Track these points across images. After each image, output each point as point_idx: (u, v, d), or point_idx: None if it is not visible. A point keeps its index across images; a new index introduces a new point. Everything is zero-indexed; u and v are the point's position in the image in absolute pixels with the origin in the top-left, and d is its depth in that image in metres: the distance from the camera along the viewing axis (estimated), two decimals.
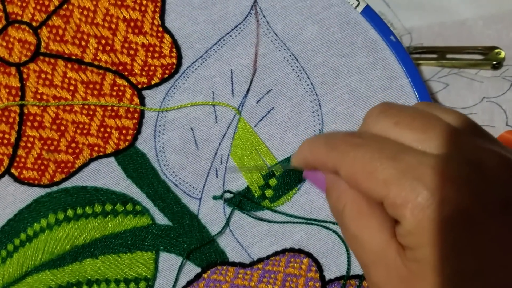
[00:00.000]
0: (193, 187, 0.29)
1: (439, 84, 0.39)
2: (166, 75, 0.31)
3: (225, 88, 0.30)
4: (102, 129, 0.30)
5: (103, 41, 0.30)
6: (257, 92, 0.30)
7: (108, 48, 0.31)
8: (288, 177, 0.29)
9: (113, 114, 0.31)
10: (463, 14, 0.42)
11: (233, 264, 0.29)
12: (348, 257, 0.28)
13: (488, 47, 0.38)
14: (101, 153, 0.30)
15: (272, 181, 0.29)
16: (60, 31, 0.31)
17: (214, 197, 0.28)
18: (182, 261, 0.28)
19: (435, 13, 0.42)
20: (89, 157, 0.30)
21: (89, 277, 0.29)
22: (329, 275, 0.29)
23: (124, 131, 0.30)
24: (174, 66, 0.31)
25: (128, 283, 0.29)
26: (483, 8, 0.40)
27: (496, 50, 0.37)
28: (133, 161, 0.29)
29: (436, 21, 0.42)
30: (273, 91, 0.30)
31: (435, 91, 0.38)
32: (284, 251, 0.29)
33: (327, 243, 0.28)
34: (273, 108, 0.30)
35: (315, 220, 0.30)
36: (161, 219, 0.29)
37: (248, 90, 0.30)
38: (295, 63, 0.30)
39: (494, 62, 0.37)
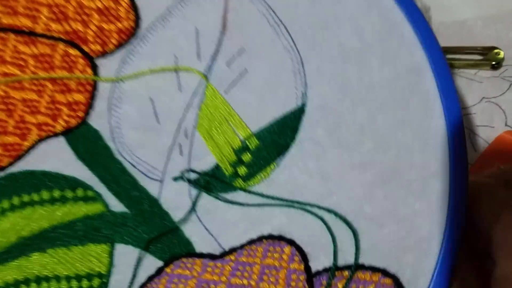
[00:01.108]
0: (153, 168, 0.26)
1: None
2: (123, 41, 0.28)
3: (190, 51, 0.27)
4: (51, 106, 0.28)
5: (55, 9, 0.31)
6: (227, 53, 0.27)
7: (60, 16, 0.31)
8: (265, 150, 0.25)
9: (64, 88, 0.28)
10: (463, 14, 0.43)
11: (201, 255, 0.27)
12: (335, 245, 0.24)
13: (487, 47, 0.40)
14: (50, 133, 0.28)
15: (246, 156, 0.26)
16: (12, 3, 0.31)
17: (174, 178, 0.25)
18: (141, 254, 0.24)
19: (434, 13, 0.44)
20: (37, 138, 0.28)
21: (37, 274, 0.28)
22: (316, 265, 0.26)
23: (75, 107, 0.28)
24: (132, 30, 0.28)
25: (80, 280, 0.28)
26: (482, 9, 0.42)
27: (496, 50, 0.39)
28: (84, 140, 0.27)
29: (435, 21, 0.44)
30: (246, 50, 0.27)
31: None
32: (261, 239, 0.27)
33: (313, 229, 0.25)
34: (246, 70, 0.27)
35: (298, 202, 0.27)
36: (117, 206, 0.26)
37: (217, 51, 0.27)
38: (271, 16, 0.27)
39: (494, 62, 0.39)
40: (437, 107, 0.26)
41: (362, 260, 0.25)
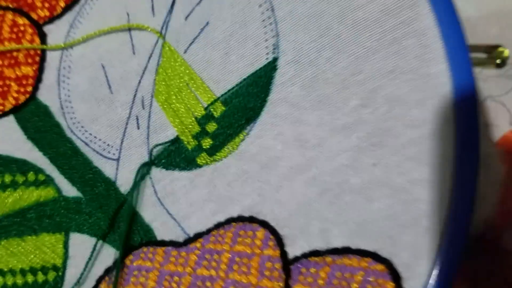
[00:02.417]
0: (108, 145, 0.23)
1: None
2: (70, 1, 0.24)
3: (143, 6, 0.24)
4: (0, 83, 0.25)
5: None
6: (185, 3, 0.24)
7: None
8: (232, 117, 0.21)
9: (12, 62, 0.26)
10: (466, 11, 0.42)
11: (163, 243, 0.25)
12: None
13: (491, 45, 0.38)
14: (0, 112, 0.24)
15: (211, 126, 0.21)
16: None
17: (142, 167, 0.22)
18: (96, 244, 0.21)
19: None
20: None
21: None
22: (293, 251, 0.23)
23: (24, 81, 0.25)
24: None
25: (35, 273, 0.26)
26: (486, 6, 0.42)
27: (500, 49, 0.37)
28: (34, 118, 0.24)
29: None
30: None
31: None
32: (230, 222, 0.24)
33: (289, 206, 0.20)
34: (208, 23, 0.23)
35: (273, 175, 0.24)
36: (70, 190, 0.23)
37: (173, 3, 0.24)
38: None
39: (498, 61, 0.37)
40: (438, 49, 0.22)
41: (349, 242, 0.21)
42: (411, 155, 0.22)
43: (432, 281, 0.21)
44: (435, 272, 0.21)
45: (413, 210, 0.22)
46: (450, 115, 0.22)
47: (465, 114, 0.22)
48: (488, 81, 0.39)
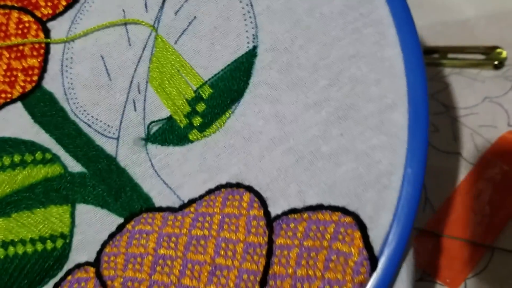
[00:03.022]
0: (108, 126, 0.26)
1: (440, 84, 0.40)
2: (71, 1, 0.27)
3: (138, 3, 0.27)
4: (8, 73, 0.29)
5: None
6: (174, 1, 0.26)
7: None
8: (219, 98, 0.24)
9: (18, 54, 0.28)
10: (465, 13, 0.43)
11: (161, 209, 0.28)
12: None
13: (490, 46, 0.39)
14: (8, 100, 0.27)
15: (200, 106, 0.25)
16: None
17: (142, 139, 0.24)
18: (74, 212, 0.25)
19: (436, 12, 0.44)
20: None
21: (3, 239, 0.29)
22: (275, 210, 0.26)
23: (30, 72, 0.28)
24: None
25: (44, 241, 0.29)
26: (485, 7, 0.42)
27: (498, 50, 0.38)
28: (40, 104, 0.27)
29: (437, 20, 0.44)
30: None
31: (436, 91, 0.39)
32: (219, 188, 0.28)
33: (270, 173, 0.24)
34: (195, 17, 0.26)
35: (256, 147, 0.27)
36: (75, 166, 0.26)
37: (164, 1, 0.26)
38: None
39: (496, 62, 0.38)
40: (391, 35, 0.25)
41: (322, 200, 0.24)
42: (371, 125, 0.26)
43: (392, 230, 0.25)
44: (395, 223, 0.25)
45: (374, 171, 0.26)
46: (403, 90, 0.26)
47: (414, 89, 0.26)
48: (486, 82, 0.39)
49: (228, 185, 0.27)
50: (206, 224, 0.27)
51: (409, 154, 0.25)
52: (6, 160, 0.30)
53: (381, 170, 0.25)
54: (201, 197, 0.27)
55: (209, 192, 0.27)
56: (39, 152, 0.30)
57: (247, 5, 0.29)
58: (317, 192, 0.26)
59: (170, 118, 0.29)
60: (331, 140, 0.26)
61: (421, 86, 0.26)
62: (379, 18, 0.27)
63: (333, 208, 0.25)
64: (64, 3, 0.31)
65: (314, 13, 0.28)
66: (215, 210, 0.27)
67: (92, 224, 0.28)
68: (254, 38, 0.28)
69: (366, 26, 0.27)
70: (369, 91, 0.26)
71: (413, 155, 0.25)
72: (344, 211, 0.25)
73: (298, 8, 0.28)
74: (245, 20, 0.28)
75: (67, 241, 0.28)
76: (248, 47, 0.28)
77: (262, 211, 0.27)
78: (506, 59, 0.39)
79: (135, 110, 0.29)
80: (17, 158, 0.30)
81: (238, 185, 0.27)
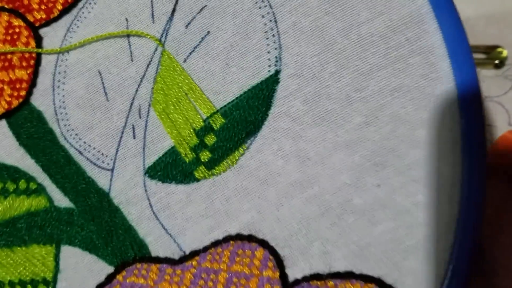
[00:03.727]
0: (102, 154, 0.22)
1: None
2: (68, 4, 0.22)
3: (143, 12, 0.22)
4: None
5: None
6: (185, 11, 0.22)
7: None
8: (232, 130, 0.20)
9: (6, 64, 0.24)
10: (465, 12, 0.41)
11: (158, 260, 0.23)
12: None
13: (490, 46, 0.38)
14: None
15: (210, 138, 0.20)
16: None
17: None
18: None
19: None
20: None
21: None
22: (294, 273, 0.22)
23: (17, 85, 0.23)
24: None
25: (24, 286, 0.25)
26: (485, 7, 0.41)
27: (499, 49, 0.37)
28: (27, 124, 0.23)
29: None
30: (208, 7, 0.22)
31: None
32: (227, 240, 0.23)
33: (290, 225, 0.19)
34: (208, 32, 0.21)
35: (273, 191, 0.22)
36: (61, 200, 0.22)
37: (174, 10, 0.22)
38: None
39: (496, 61, 0.37)
40: (445, 67, 0.20)
41: (351, 266, 0.19)
42: (416, 177, 0.21)
43: None
44: None
45: (418, 235, 0.21)
46: (457, 138, 0.21)
47: (471, 137, 0.21)
48: (486, 81, 0.38)
49: (239, 237, 0.23)
50: (210, 283, 0.22)
51: (461, 215, 0.21)
52: None
53: (426, 234, 0.21)
54: (205, 249, 0.23)
55: (216, 243, 0.23)
56: (22, 180, 0.25)
57: (270, 21, 0.24)
58: (346, 255, 0.21)
59: (173, 150, 0.24)
60: (365, 192, 0.21)
61: (477, 133, 0.21)
62: (429, 45, 0.22)
63: (366, 278, 0.20)
64: (59, 7, 0.27)
65: (349, 35, 0.23)
66: (221, 267, 0.23)
67: (79, 270, 0.24)
68: (276, 61, 0.23)
69: (413, 54, 0.22)
70: (414, 134, 0.21)
71: (466, 217, 0.21)
72: (380, 283, 0.20)
73: (331, 28, 0.23)
74: (267, 38, 0.23)
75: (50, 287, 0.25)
76: (269, 71, 0.23)
77: (277, 273, 0.22)
78: (507, 58, 0.38)
79: (134, 138, 0.25)
80: None
81: (250, 238, 0.23)
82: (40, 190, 0.25)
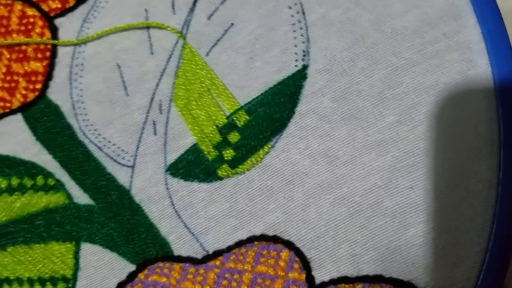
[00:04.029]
0: (122, 150, 0.21)
1: None
2: None
3: (163, 2, 0.21)
4: (8, 78, 0.24)
5: None
6: (208, 2, 0.22)
7: None
8: (256, 128, 0.19)
9: (20, 56, 0.23)
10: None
11: (180, 259, 0.23)
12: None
13: None
14: (7, 110, 0.23)
15: (233, 136, 0.19)
16: None
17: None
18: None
19: None
20: None
21: None
22: (321, 275, 0.21)
23: (33, 78, 0.23)
24: None
25: (44, 283, 0.24)
26: None
27: None
28: (43, 118, 0.22)
29: None
30: None
31: None
32: (252, 240, 0.22)
33: (317, 226, 0.18)
34: (232, 24, 0.20)
35: (299, 192, 0.22)
36: (81, 197, 0.21)
37: (196, 1, 0.21)
38: None
39: None
40: (483, 64, 0.19)
41: (381, 270, 0.19)
42: (450, 179, 0.20)
43: None
44: None
45: (451, 239, 0.20)
46: (494, 138, 0.20)
47: (509, 137, 0.20)
48: None
49: (263, 237, 0.22)
50: (234, 284, 0.22)
51: (496, 219, 0.20)
52: (3, 183, 0.25)
53: (459, 238, 0.20)
54: (229, 248, 0.22)
55: (240, 243, 0.22)
56: (40, 176, 0.24)
57: (297, 12, 0.23)
58: (375, 258, 0.20)
59: (196, 148, 0.23)
60: (397, 194, 0.20)
61: None
62: (468, 41, 0.20)
63: (396, 282, 0.20)
64: None
65: (383, 27, 0.21)
66: (245, 267, 0.22)
67: (99, 268, 0.23)
68: (304, 55, 0.22)
69: (450, 50, 0.21)
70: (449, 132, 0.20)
71: (501, 221, 0.20)
72: (410, 287, 0.20)
73: (363, 20, 0.22)
74: (294, 31, 0.22)
75: (70, 285, 0.24)
76: (296, 66, 0.22)
77: (304, 275, 0.21)
78: None
79: (155, 134, 0.24)
80: (15, 182, 0.25)
81: (275, 239, 0.22)
82: (59, 186, 0.24)
